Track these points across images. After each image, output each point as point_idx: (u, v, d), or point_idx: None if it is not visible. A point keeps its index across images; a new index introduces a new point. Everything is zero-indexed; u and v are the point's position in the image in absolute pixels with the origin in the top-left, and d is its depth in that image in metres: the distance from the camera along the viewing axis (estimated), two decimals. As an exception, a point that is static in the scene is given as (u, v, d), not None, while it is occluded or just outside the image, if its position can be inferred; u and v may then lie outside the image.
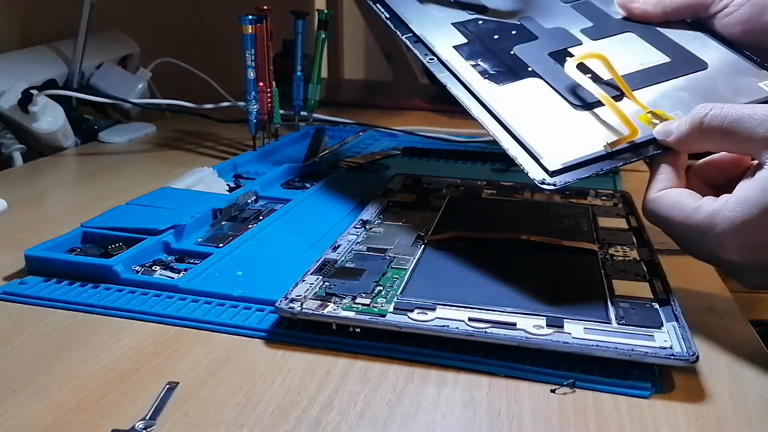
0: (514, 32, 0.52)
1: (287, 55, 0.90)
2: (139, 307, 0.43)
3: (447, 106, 1.11)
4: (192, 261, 0.50)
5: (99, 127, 0.89)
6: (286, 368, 0.37)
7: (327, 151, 0.79)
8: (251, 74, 0.77)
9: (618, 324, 0.39)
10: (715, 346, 0.40)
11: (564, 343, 0.37)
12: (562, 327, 0.38)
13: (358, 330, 0.39)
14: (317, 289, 0.43)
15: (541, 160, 0.42)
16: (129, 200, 0.58)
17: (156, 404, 0.34)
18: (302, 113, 0.90)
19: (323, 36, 0.88)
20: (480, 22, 0.53)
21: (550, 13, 0.54)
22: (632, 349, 0.36)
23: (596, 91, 0.45)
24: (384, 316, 0.40)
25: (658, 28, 0.52)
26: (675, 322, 0.39)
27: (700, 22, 0.52)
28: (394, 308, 0.40)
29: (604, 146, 0.42)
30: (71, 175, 0.77)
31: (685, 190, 0.41)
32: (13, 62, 0.82)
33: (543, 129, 0.44)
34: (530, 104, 0.46)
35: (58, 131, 0.80)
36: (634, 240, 0.52)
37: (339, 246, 0.50)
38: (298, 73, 0.88)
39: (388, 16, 0.53)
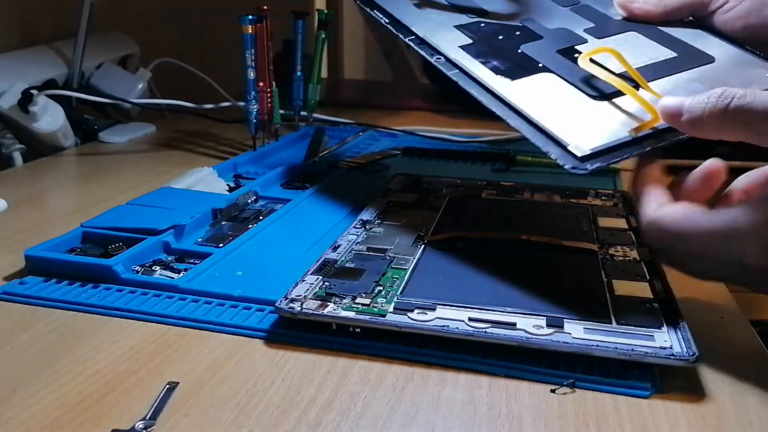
0: (518, 33, 0.52)
1: (287, 55, 0.90)
2: (139, 307, 0.43)
3: (447, 106, 1.11)
4: (192, 261, 0.50)
5: (99, 127, 0.89)
6: (286, 368, 0.37)
7: (327, 151, 0.79)
8: (251, 74, 0.77)
9: (618, 324, 0.39)
10: (715, 346, 0.40)
11: (564, 343, 0.37)
12: (562, 327, 0.38)
13: (358, 330, 0.39)
14: (317, 289, 0.43)
15: (569, 147, 0.41)
16: (129, 200, 0.58)
17: (156, 404, 0.34)
18: (302, 113, 0.90)
19: (323, 36, 0.88)
20: (482, 24, 0.53)
21: (550, 16, 0.54)
22: (632, 349, 0.36)
23: (614, 81, 0.44)
24: (384, 316, 0.40)
25: (659, 27, 0.52)
26: (675, 322, 0.39)
27: (699, 21, 0.52)
28: (394, 308, 0.40)
29: (629, 132, 0.42)
30: (71, 175, 0.77)
31: (686, 203, 0.39)
32: (13, 62, 0.82)
33: (565, 118, 0.44)
34: (548, 96, 0.46)
35: (58, 131, 0.80)
36: (634, 240, 0.52)
37: (339, 246, 0.50)
38: (298, 73, 0.88)
39: (387, 20, 0.53)
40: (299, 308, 0.40)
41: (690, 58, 0.49)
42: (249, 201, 0.63)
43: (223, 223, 0.57)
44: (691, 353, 0.36)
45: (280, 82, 0.81)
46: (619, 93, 0.44)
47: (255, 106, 0.78)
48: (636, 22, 0.53)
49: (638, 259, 0.48)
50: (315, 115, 0.92)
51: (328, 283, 0.43)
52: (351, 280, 0.44)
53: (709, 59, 0.48)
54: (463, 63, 0.48)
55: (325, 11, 0.87)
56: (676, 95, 0.41)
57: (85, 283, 0.46)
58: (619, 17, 0.54)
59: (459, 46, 0.50)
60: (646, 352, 0.36)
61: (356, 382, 0.36)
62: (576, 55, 0.48)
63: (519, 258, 0.48)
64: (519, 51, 0.50)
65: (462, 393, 0.35)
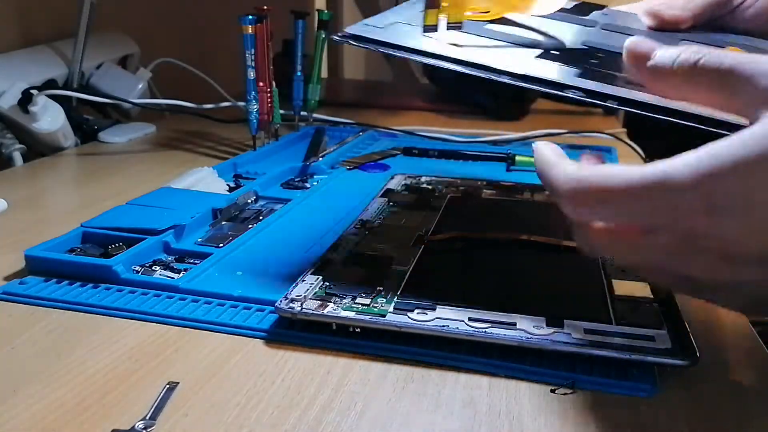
0: (583, 54, 0.46)
1: (287, 55, 0.91)
2: (139, 307, 0.43)
3: (447, 105, 1.11)
4: (192, 261, 0.50)
5: (99, 127, 0.89)
6: (286, 368, 0.37)
7: (327, 151, 0.79)
8: (251, 74, 0.77)
9: (618, 324, 0.39)
10: (715, 346, 0.40)
11: (564, 343, 0.37)
12: (562, 327, 0.38)
13: (358, 330, 0.39)
14: (317, 289, 0.43)
15: None
16: (129, 200, 0.58)
17: (156, 404, 0.34)
18: (302, 113, 0.90)
19: (323, 36, 0.88)
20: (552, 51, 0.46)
21: (598, 38, 0.48)
22: (632, 349, 0.36)
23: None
24: (384, 316, 0.40)
25: (698, 33, 0.49)
26: (675, 322, 0.39)
27: (720, 25, 0.50)
28: (394, 308, 0.40)
29: None
30: (71, 175, 0.77)
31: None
32: (13, 62, 0.82)
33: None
34: None
35: (58, 131, 0.80)
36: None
37: (339, 246, 0.50)
38: (298, 73, 0.88)
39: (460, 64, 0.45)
40: (299, 308, 0.40)
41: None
42: (249, 201, 0.63)
43: (223, 223, 0.57)
44: (690, 353, 0.36)
45: (280, 82, 0.81)
46: None
47: (255, 106, 0.78)
48: (662, 30, 0.50)
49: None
50: (315, 115, 0.92)
51: (328, 283, 0.43)
52: (351, 280, 0.44)
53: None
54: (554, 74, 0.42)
55: (325, 11, 0.87)
56: None
57: (85, 283, 0.46)
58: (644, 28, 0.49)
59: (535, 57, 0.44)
60: (646, 353, 0.36)
61: (356, 382, 0.36)
62: None
63: (519, 258, 0.48)
64: (593, 61, 0.44)
65: (462, 393, 0.35)
